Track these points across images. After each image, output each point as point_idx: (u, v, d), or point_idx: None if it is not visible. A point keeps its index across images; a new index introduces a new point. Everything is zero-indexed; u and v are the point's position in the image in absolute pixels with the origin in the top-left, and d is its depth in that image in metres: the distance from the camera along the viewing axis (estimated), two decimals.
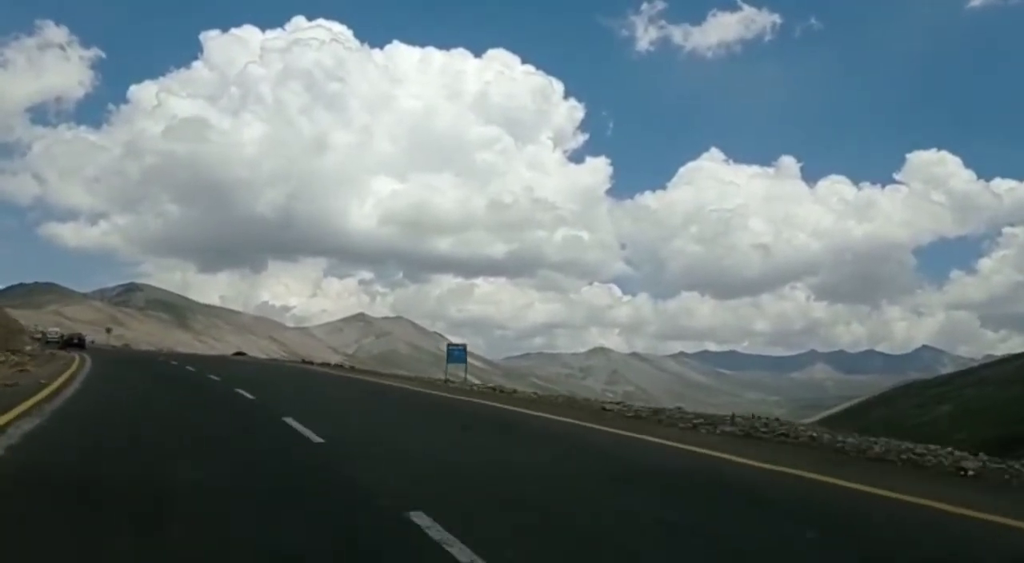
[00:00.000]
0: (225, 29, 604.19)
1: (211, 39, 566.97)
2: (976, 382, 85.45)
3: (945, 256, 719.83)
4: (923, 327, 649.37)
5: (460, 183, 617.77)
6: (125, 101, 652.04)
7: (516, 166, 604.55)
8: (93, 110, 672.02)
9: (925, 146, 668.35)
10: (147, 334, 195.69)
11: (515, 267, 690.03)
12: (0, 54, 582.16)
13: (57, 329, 75.32)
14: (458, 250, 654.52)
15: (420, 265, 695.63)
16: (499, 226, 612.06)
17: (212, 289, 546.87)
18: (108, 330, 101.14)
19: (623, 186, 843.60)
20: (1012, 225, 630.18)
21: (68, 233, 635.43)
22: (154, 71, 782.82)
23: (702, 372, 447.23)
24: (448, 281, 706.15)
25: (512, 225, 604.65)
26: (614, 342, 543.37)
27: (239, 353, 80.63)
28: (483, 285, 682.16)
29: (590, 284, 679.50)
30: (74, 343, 59.60)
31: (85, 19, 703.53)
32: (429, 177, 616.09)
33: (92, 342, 75.78)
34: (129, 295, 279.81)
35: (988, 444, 52.37)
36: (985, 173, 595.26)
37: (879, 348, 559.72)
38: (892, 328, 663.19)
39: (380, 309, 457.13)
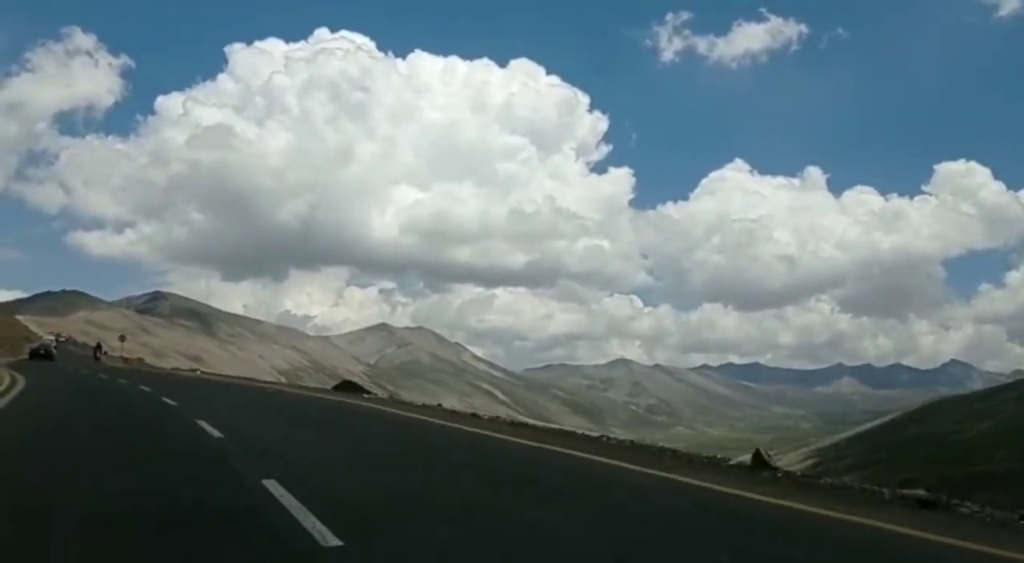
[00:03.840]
0: (249, 42, 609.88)
1: (236, 52, 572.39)
2: (1017, 398, 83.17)
3: (974, 269, 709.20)
4: (951, 341, 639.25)
5: (481, 193, 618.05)
6: (152, 112, 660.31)
7: (538, 176, 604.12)
8: (121, 119, 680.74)
9: (953, 157, 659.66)
10: (173, 343, 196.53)
11: (535, 277, 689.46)
12: (27, 60, 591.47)
13: (52, 337, 72.36)
14: (478, 260, 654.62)
15: (440, 275, 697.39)
16: (520, 236, 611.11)
17: (235, 298, 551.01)
18: (122, 338, 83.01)
19: (646, 196, 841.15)
20: None
21: (94, 242, 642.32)
22: (180, 83, 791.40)
23: (726, 385, 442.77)
24: (468, 291, 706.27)
25: (533, 235, 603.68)
26: (635, 354, 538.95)
27: (348, 386, 38.92)
28: (503, 295, 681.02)
29: (611, 295, 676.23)
30: (40, 354, 54.37)
31: (111, 32, 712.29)
32: (451, 186, 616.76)
33: (106, 352, 73.07)
34: (155, 303, 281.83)
35: None
36: (1015, 184, 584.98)
37: (906, 362, 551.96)
38: (919, 342, 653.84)
39: (401, 319, 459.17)
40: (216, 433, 11.72)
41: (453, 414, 20.29)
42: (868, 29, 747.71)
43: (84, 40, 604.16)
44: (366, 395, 31.24)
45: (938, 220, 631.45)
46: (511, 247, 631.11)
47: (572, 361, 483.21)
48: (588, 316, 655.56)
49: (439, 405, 26.44)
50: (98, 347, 71.13)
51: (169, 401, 19.00)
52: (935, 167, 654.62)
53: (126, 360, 69.45)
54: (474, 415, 20.64)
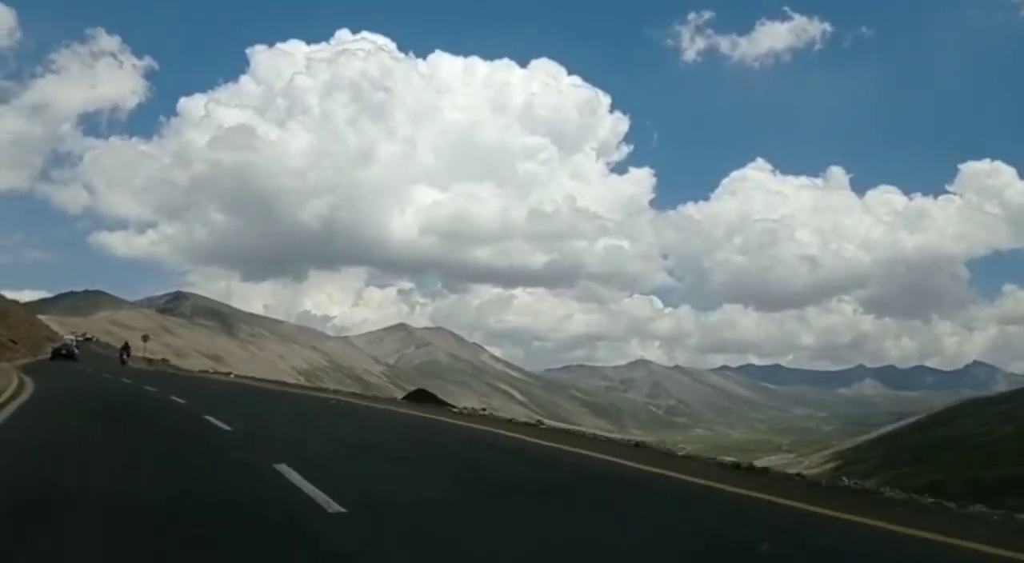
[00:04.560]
0: (271, 44, 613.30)
1: (258, 53, 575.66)
2: None
3: (999, 269, 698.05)
4: (975, 342, 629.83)
5: (501, 193, 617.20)
6: (175, 113, 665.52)
7: (558, 176, 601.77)
8: (144, 121, 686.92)
9: (978, 156, 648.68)
10: (194, 342, 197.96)
11: (554, 277, 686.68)
12: (52, 61, 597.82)
13: (72, 336, 70.83)
14: (497, 260, 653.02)
15: (459, 275, 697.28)
16: (539, 236, 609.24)
17: (255, 298, 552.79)
18: (145, 338, 74.91)
19: (666, 197, 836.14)
20: None
21: (117, 242, 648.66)
22: (202, 85, 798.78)
23: (746, 386, 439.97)
24: (487, 291, 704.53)
25: (552, 235, 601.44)
26: (655, 355, 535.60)
27: (422, 396, 31.18)
28: (522, 295, 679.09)
29: (631, 296, 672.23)
30: (63, 354, 55.03)
31: (135, 34, 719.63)
32: (470, 187, 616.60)
33: (131, 355, 72.44)
34: (176, 303, 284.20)
35: None
36: None
37: (929, 363, 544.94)
38: (943, 343, 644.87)
39: (419, 319, 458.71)
40: (331, 503, 6.32)
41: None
42: (893, 28, 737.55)
43: (109, 42, 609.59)
44: (455, 410, 22.40)
45: (962, 220, 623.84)
46: (531, 247, 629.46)
47: (591, 362, 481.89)
48: (608, 317, 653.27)
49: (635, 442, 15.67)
50: (125, 348, 61.73)
51: (219, 423, 13.45)
52: (959, 166, 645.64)
53: (150, 361, 65.86)
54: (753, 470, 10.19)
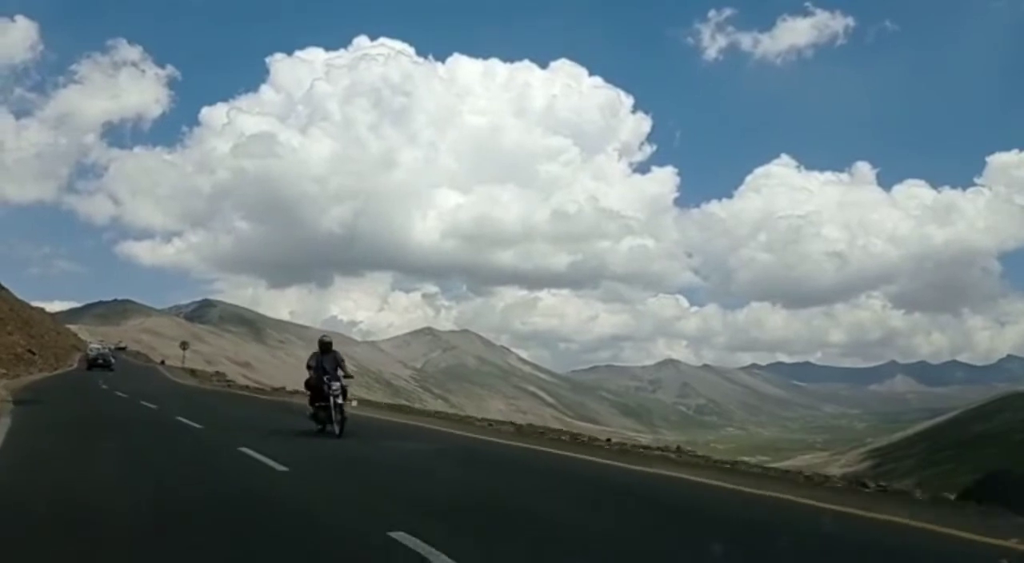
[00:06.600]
0: (290, 52, 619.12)
1: (277, 62, 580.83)
2: None
3: None
4: (1007, 336, 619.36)
5: (524, 195, 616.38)
6: (197, 123, 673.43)
7: (581, 177, 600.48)
8: (167, 130, 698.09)
9: (1006, 148, 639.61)
10: (222, 349, 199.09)
11: (579, 278, 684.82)
12: (74, 72, 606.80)
13: (98, 345, 66.01)
14: (521, 262, 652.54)
15: (483, 278, 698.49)
16: (563, 237, 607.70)
17: (282, 304, 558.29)
18: (183, 345, 69.99)
19: (690, 195, 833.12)
20: None
21: (144, 251, 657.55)
22: (224, 94, 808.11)
23: (776, 384, 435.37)
24: (512, 293, 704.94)
25: (576, 236, 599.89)
26: (682, 354, 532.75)
27: None
28: (547, 297, 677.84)
29: (656, 295, 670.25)
30: (99, 363, 53.63)
31: (156, 44, 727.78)
32: (493, 189, 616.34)
33: (162, 362, 70.46)
34: (204, 311, 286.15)
35: None
36: None
37: (961, 358, 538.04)
38: (974, 338, 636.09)
39: (445, 323, 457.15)
40: None
41: None
42: (917, 20, 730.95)
43: (130, 51, 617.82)
44: None
45: (992, 212, 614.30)
46: (554, 249, 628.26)
47: (618, 362, 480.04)
48: (633, 317, 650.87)
49: None
50: (335, 375, 14.69)
51: None
52: (987, 158, 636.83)
53: (194, 373, 57.99)
54: None
